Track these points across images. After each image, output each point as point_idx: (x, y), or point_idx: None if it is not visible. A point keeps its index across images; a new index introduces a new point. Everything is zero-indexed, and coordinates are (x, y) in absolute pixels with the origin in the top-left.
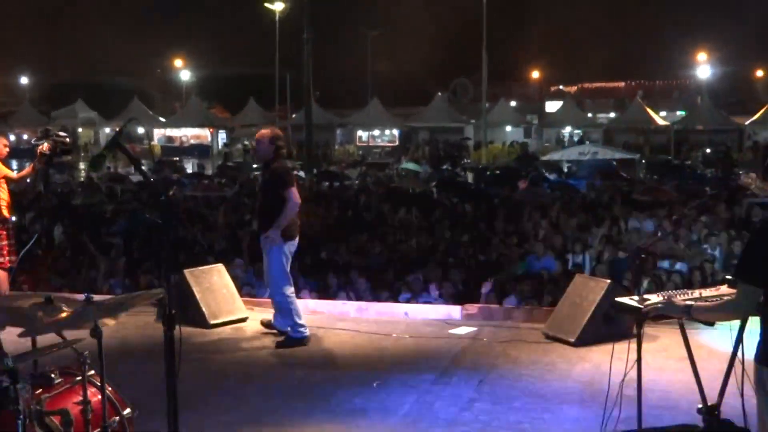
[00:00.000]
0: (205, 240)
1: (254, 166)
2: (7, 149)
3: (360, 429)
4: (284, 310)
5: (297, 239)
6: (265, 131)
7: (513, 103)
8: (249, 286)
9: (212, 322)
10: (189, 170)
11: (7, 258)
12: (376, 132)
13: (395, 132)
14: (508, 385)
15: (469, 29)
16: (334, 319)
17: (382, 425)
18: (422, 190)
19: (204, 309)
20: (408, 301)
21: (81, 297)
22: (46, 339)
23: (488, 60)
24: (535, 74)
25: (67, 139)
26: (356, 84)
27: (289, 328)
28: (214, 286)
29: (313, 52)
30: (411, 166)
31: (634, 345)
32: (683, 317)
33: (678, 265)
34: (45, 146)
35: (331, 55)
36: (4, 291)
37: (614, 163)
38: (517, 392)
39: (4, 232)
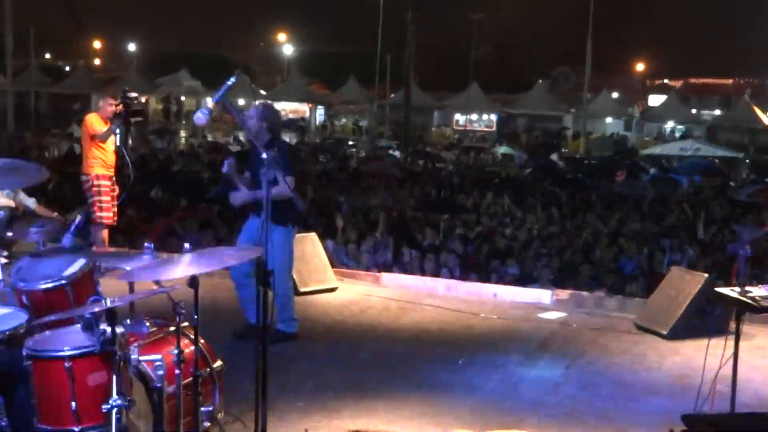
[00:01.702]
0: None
1: (350, 142)
2: (112, 108)
3: (444, 403)
4: (287, 302)
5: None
6: (255, 107)
7: (615, 95)
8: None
9: (302, 289)
10: None
11: (107, 214)
12: (474, 116)
13: (493, 117)
14: (596, 373)
15: (575, 17)
16: (423, 295)
17: (465, 401)
18: (517, 175)
19: (295, 276)
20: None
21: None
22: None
23: (592, 50)
24: (640, 66)
25: (138, 101)
26: (456, 67)
27: (281, 324)
28: (307, 254)
29: (415, 33)
30: (507, 150)
31: (728, 341)
32: None
33: None
34: (119, 107)
35: (433, 37)
36: (104, 247)
37: (717, 161)
38: (605, 380)
39: (107, 189)
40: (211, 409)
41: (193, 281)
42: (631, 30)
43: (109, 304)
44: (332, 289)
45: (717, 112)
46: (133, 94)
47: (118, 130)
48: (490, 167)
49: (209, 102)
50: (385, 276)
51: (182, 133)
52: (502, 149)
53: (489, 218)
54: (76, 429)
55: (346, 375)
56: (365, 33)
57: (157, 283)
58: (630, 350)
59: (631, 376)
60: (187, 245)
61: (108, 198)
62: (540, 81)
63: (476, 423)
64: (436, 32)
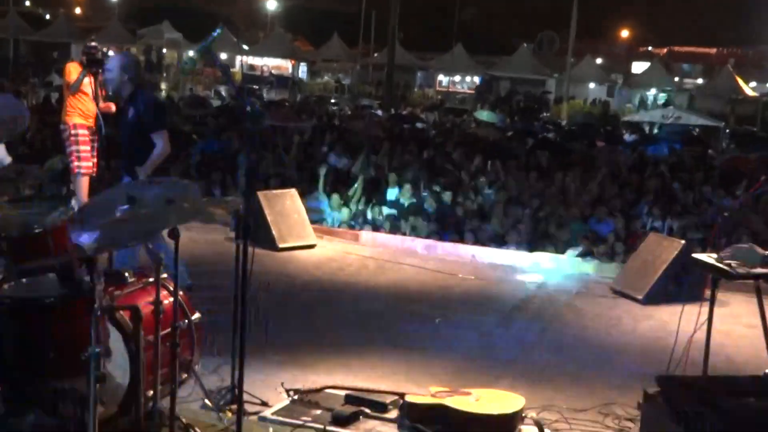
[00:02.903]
0: (277, 169)
1: (332, 100)
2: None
3: (419, 362)
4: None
5: None
6: (114, 57)
7: (599, 61)
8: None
9: (281, 245)
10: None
11: (86, 164)
12: (457, 78)
13: (476, 79)
14: (571, 335)
15: None
16: (401, 254)
17: (440, 360)
18: (498, 138)
19: (274, 231)
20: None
21: None
22: None
23: (578, 15)
24: (625, 33)
25: (99, 51)
26: (441, 28)
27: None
28: (286, 210)
29: None
30: (487, 115)
31: (703, 308)
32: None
33: None
34: (83, 58)
35: None
36: (84, 197)
37: (697, 130)
38: (579, 342)
39: (85, 139)
40: (188, 360)
41: (173, 232)
42: None
43: (88, 252)
44: (311, 246)
45: (699, 81)
46: (93, 44)
47: (86, 79)
48: (472, 130)
49: (191, 53)
50: (364, 234)
51: (162, 86)
52: (483, 114)
53: (469, 179)
54: (52, 376)
55: (322, 331)
56: None
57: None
58: (605, 314)
59: (606, 338)
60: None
61: (87, 148)
62: (524, 44)
63: (451, 381)
64: None
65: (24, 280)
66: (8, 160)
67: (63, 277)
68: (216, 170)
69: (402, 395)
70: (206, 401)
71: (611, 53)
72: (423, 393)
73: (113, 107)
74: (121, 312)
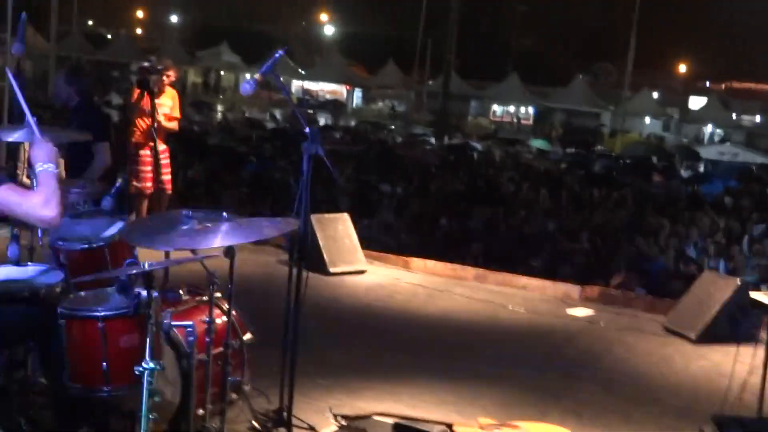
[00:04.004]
0: (329, 193)
1: (392, 127)
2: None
3: (468, 392)
4: None
5: None
6: (58, 76)
7: (655, 94)
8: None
9: (332, 269)
10: (321, 124)
11: (144, 184)
12: (512, 108)
13: (531, 110)
14: (621, 372)
15: (619, 14)
16: (452, 283)
17: (489, 392)
18: (550, 169)
19: (325, 255)
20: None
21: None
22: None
23: (635, 46)
24: (682, 68)
25: (148, 72)
26: (497, 57)
27: None
28: (338, 234)
29: (457, 20)
30: (541, 144)
31: (758, 350)
32: None
33: None
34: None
35: (474, 24)
36: (141, 216)
37: (754, 168)
38: (629, 379)
39: (146, 159)
40: (238, 380)
41: (228, 252)
42: (675, 30)
43: (145, 267)
44: (361, 272)
45: (758, 118)
46: (146, 64)
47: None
48: (525, 160)
49: (248, 76)
50: (415, 261)
51: (219, 107)
52: (537, 143)
53: (521, 209)
54: (105, 389)
55: (371, 358)
56: (408, 17)
57: (194, 251)
58: (656, 352)
59: (657, 377)
60: (225, 214)
61: (146, 168)
62: (580, 76)
63: (500, 414)
64: (479, 19)
65: (82, 293)
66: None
67: (120, 292)
68: (269, 192)
69: (450, 426)
70: (254, 423)
71: (668, 87)
72: (471, 424)
73: (176, 125)
74: (175, 329)
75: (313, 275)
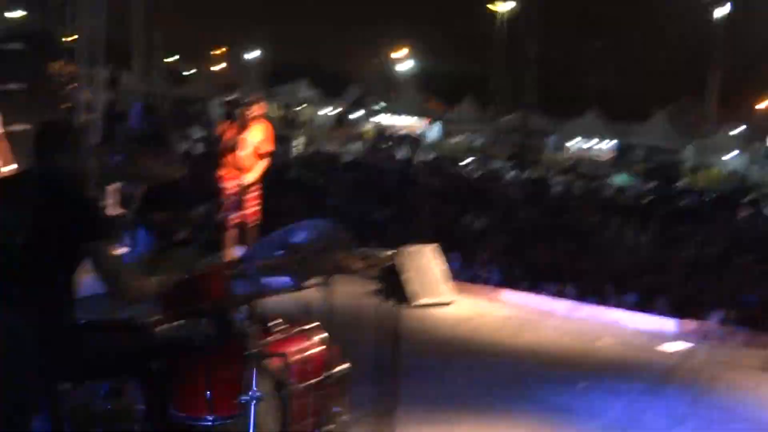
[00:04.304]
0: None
1: (464, 162)
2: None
3: (565, 427)
4: None
5: None
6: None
7: (739, 129)
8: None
9: (418, 301)
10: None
11: (232, 215)
12: (589, 143)
13: (606, 146)
14: (724, 409)
15: (700, 49)
16: (543, 315)
17: (587, 426)
18: (633, 204)
19: (411, 287)
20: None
21: None
22: None
23: (718, 83)
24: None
25: (233, 107)
26: (574, 92)
27: None
28: (425, 265)
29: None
30: (623, 179)
31: None
32: None
33: None
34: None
35: (552, 60)
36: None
37: None
38: (733, 417)
39: (229, 192)
40: (336, 411)
41: (325, 282)
42: (759, 65)
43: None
44: (447, 303)
45: None
46: (231, 98)
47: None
48: (608, 194)
49: (325, 110)
50: (503, 292)
51: (295, 142)
52: (618, 178)
53: (607, 242)
54: (209, 418)
55: (463, 390)
56: (484, 52)
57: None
58: (760, 387)
59: (762, 414)
60: None
61: (231, 200)
62: (661, 111)
63: None
64: (557, 55)
65: (179, 322)
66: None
67: (216, 322)
68: (349, 224)
69: None
70: None
71: (752, 121)
72: None
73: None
74: (271, 359)
75: (400, 307)
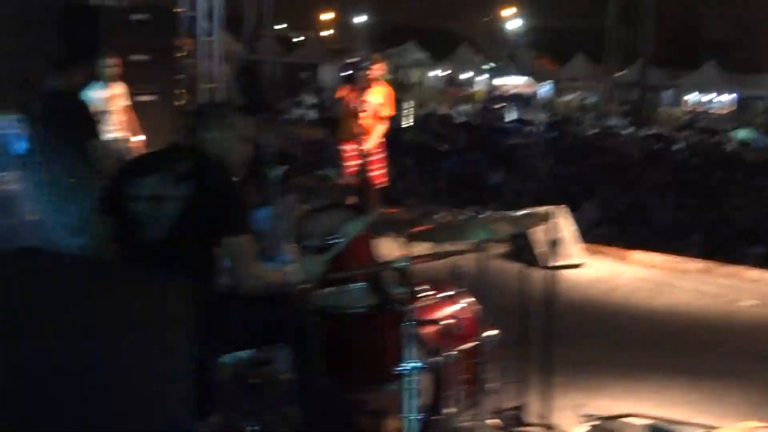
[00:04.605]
0: (527, 185)
1: (583, 118)
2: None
3: (712, 390)
4: None
5: None
6: None
7: None
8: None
9: (549, 263)
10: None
11: (348, 179)
12: (707, 97)
13: (725, 99)
14: None
15: None
16: (675, 276)
17: (737, 389)
18: (758, 159)
19: (542, 249)
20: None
21: None
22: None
23: None
24: None
25: (350, 69)
26: (691, 44)
27: None
28: (555, 227)
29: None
30: (745, 134)
31: None
32: None
33: None
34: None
35: (667, 13)
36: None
37: None
38: None
39: (349, 155)
40: (483, 378)
41: (478, 246)
42: None
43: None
44: (578, 265)
45: None
46: (349, 61)
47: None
48: (729, 150)
49: (434, 72)
50: (634, 253)
51: (405, 104)
52: (741, 133)
53: (734, 199)
54: (361, 387)
55: (601, 355)
56: (597, 7)
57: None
58: None
59: None
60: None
61: (352, 163)
62: None
63: (751, 413)
64: (671, 5)
65: (333, 288)
66: None
67: (372, 288)
68: (465, 185)
69: (712, 429)
70: (497, 421)
71: None
72: (736, 428)
73: (386, 122)
74: (423, 325)
75: (531, 270)
